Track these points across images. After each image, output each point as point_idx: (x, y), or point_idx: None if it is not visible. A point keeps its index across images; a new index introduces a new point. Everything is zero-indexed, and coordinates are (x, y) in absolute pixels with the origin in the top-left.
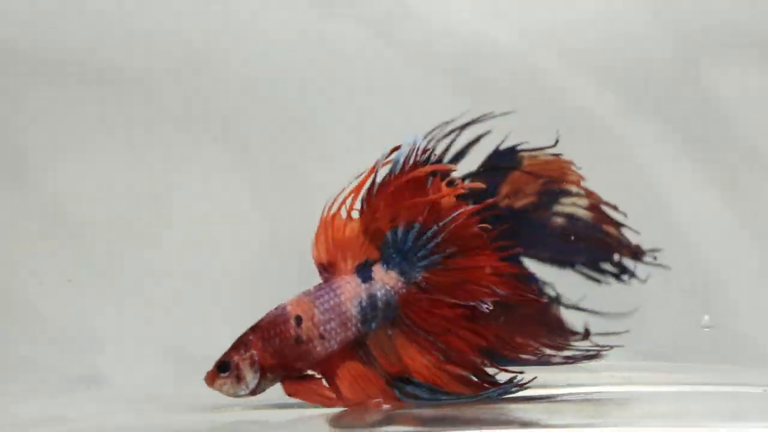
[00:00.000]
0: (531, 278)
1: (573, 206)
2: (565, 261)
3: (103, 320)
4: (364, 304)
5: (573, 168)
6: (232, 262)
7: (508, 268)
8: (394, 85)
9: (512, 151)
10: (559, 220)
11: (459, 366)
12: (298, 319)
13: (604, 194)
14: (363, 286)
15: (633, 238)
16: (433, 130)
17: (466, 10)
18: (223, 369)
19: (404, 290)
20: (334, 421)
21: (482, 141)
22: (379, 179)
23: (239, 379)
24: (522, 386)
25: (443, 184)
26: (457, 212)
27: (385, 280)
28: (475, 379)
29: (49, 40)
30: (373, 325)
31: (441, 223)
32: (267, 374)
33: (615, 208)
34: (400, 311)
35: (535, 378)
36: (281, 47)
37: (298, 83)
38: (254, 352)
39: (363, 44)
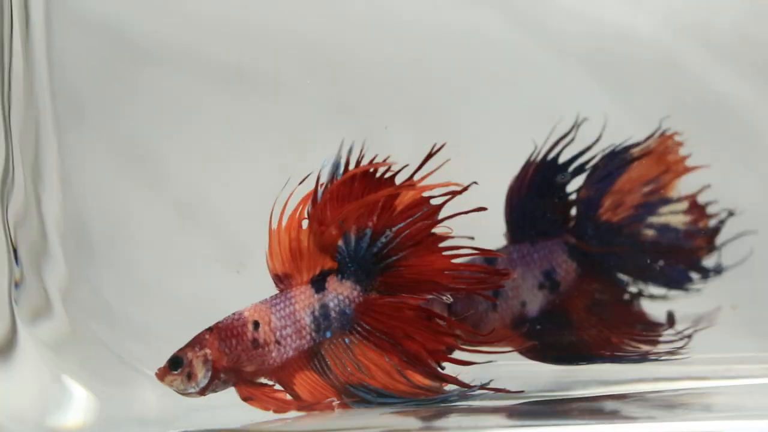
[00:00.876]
0: (616, 280)
1: (670, 215)
2: (650, 277)
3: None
4: (316, 313)
5: (677, 141)
6: None
7: (461, 265)
8: (534, 72)
9: (624, 151)
10: (651, 233)
11: (419, 369)
12: (256, 324)
13: (742, 185)
14: (316, 296)
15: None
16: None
17: None
18: (176, 365)
19: (361, 298)
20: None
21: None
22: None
23: (191, 376)
24: (471, 388)
25: (407, 184)
26: (413, 217)
27: (339, 289)
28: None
29: (182, 40)
30: (329, 333)
31: (394, 228)
32: (219, 375)
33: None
34: (357, 319)
35: (488, 382)
36: (424, 37)
37: (441, 73)
38: (208, 351)
39: (504, 32)
